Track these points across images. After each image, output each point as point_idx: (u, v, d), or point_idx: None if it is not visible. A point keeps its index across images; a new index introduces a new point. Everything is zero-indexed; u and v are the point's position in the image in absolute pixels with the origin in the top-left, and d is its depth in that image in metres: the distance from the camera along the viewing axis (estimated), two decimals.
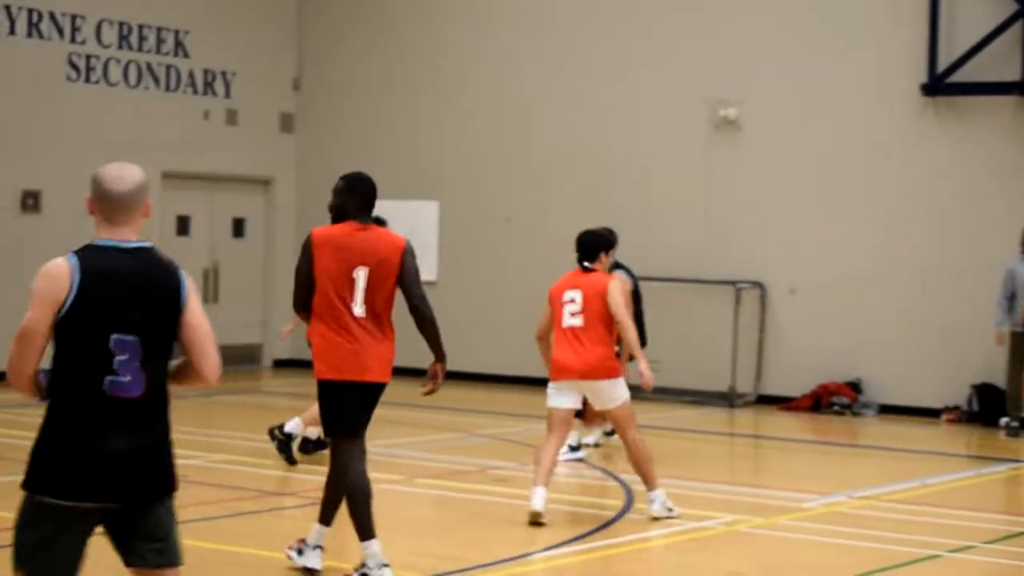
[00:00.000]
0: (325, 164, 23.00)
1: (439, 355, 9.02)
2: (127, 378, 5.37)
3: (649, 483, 11.28)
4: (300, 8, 23.36)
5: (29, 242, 19.16)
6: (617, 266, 14.02)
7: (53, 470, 5.38)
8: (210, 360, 5.57)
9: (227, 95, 22.50)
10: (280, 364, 23.19)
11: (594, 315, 11.07)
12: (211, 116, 22.31)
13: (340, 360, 8.72)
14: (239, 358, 22.99)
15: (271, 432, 13.39)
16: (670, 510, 11.25)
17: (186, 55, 21.98)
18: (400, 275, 8.82)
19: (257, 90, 22.86)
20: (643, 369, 11.24)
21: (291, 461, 13.24)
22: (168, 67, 21.78)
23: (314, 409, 12.80)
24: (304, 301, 8.95)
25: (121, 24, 21.19)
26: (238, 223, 23.01)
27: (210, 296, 22.51)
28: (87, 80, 20.79)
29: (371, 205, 9.15)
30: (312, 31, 23.33)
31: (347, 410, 8.77)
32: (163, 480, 5.59)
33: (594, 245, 11.45)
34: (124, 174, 5.63)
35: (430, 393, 9.10)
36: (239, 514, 10.94)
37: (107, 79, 21.02)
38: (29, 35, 20.13)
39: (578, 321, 11.08)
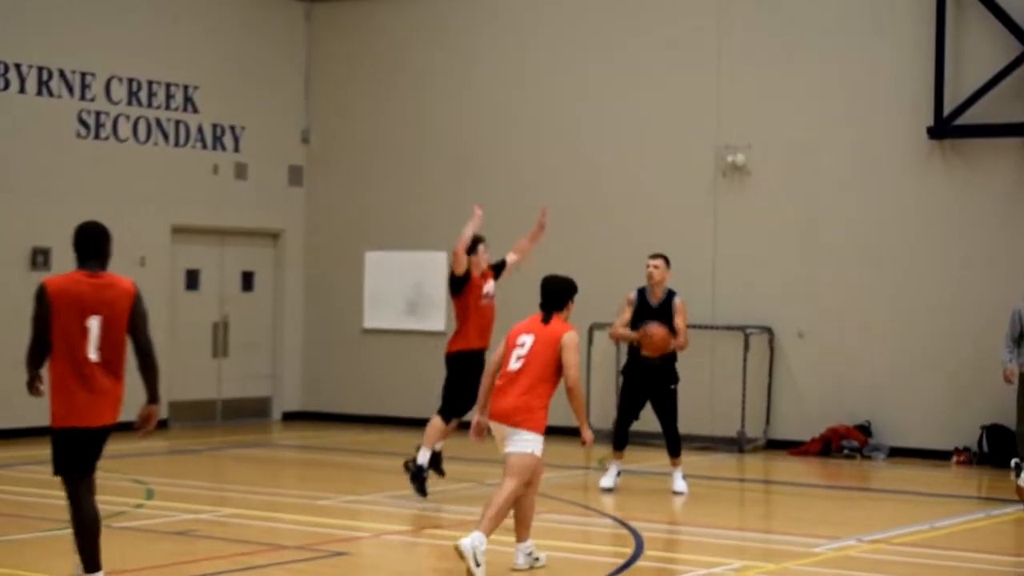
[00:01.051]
0: (334, 216, 23.16)
1: (155, 398, 9.36)
2: None
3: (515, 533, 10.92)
4: (308, 62, 23.51)
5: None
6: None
7: None
8: None
9: (236, 149, 22.63)
10: (289, 417, 23.23)
11: (538, 363, 10.73)
12: (220, 170, 22.43)
13: (77, 407, 9.07)
14: (248, 411, 23.06)
15: (405, 465, 14.43)
16: (536, 559, 10.97)
17: (195, 110, 22.12)
18: (130, 319, 9.22)
19: (266, 144, 22.99)
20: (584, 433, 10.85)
21: (423, 492, 14.22)
22: (177, 122, 21.91)
23: (430, 432, 14.25)
24: (40, 351, 9.17)
25: (131, 80, 21.33)
26: (247, 276, 23.09)
27: (220, 350, 22.57)
28: (97, 136, 20.92)
29: (97, 253, 9.43)
30: (320, 85, 23.47)
31: (83, 453, 9.17)
32: None
33: (563, 292, 11.13)
34: None
35: (146, 436, 9.46)
36: (249, 568, 10.95)
37: (117, 135, 21.15)
38: (39, 93, 20.27)
39: (519, 365, 10.74)
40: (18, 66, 20.03)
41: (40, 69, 20.29)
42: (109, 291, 9.27)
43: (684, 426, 19.22)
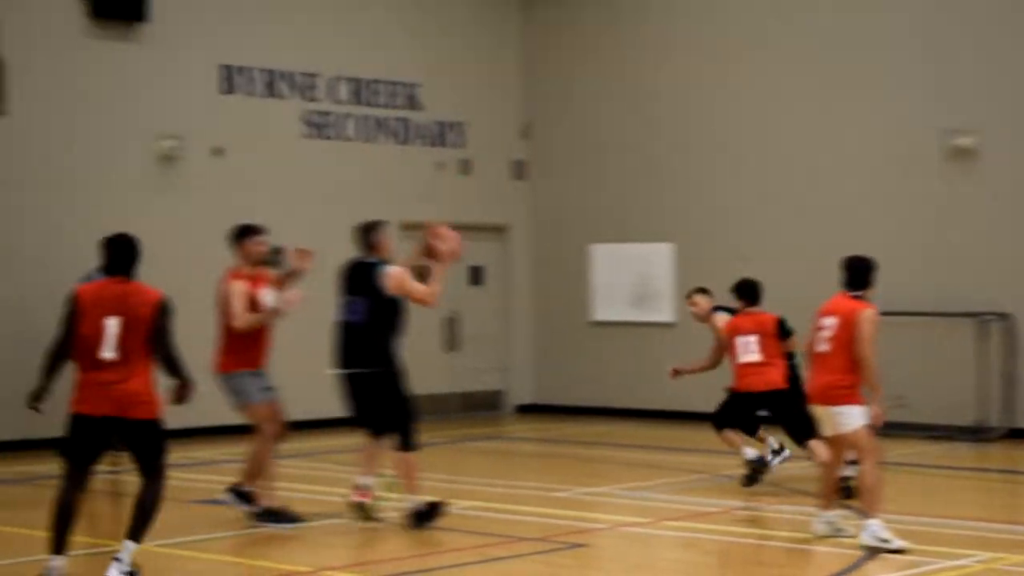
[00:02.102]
0: (559, 209, 23.20)
1: (183, 381, 9.90)
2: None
3: None
4: (527, 56, 23.60)
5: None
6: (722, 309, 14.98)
7: None
8: None
9: (460, 145, 22.82)
10: (522, 409, 23.35)
11: (840, 340, 11.31)
12: (445, 167, 22.64)
13: (83, 396, 9.77)
14: (480, 404, 23.24)
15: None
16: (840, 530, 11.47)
17: (419, 108, 22.36)
18: (153, 329, 9.81)
19: (489, 139, 23.14)
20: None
21: (751, 481, 14.30)
22: (402, 120, 22.17)
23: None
24: (58, 353, 9.83)
25: (354, 80, 21.65)
26: (475, 271, 23.27)
27: (451, 344, 22.78)
28: (322, 136, 21.27)
29: (125, 263, 9.99)
30: (541, 78, 23.53)
31: (85, 441, 9.78)
32: None
33: (865, 271, 11.67)
34: None
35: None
36: (490, 560, 11.02)
37: (342, 134, 21.48)
38: (266, 95, 20.68)
39: (826, 347, 11.38)
40: (247, 69, 20.45)
41: (267, 71, 20.69)
42: (133, 297, 9.85)
43: (918, 416, 18.99)
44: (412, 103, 22.30)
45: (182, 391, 9.86)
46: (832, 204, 20.59)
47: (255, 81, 20.61)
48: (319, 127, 21.26)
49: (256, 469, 12.56)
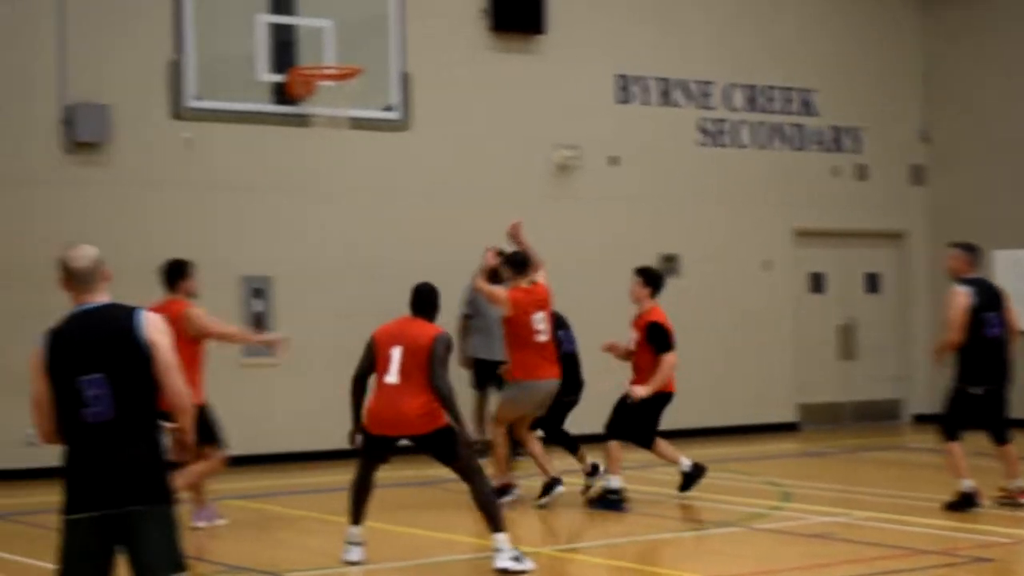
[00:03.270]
0: (958, 215, 22.62)
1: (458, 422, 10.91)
2: (99, 407, 6.46)
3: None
4: (927, 57, 23.08)
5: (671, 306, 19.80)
6: None
7: (65, 491, 6.57)
8: (171, 389, 6.60)
9: (856, 150, 22.51)
10: (921, 419, 22.85)
11: None
12: (840, 172, 22.37)
13: (370, 418, 11.00)
14: (878, 414, 22.87)
15: None
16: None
17: (814, 113, 22.15)
18: (428, 360, 10.77)
19: (885, 144, 22.74)
20: None
21: None
22: (797, 126, 22.01)
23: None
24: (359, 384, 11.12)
25: (749, 87, 21.61)
26: (871, 278, 22.90)
27: (847, 352, 22.49)
28: (717, 143, 21.30)
29: (418, 308, 11.21)
30: (940, 82, 22.98)
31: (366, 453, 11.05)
32: (143, 489, 6.49)
33: None
34: (81, 253, 6.68)
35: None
36: (888, 572, 10.84)
37: (736, 141, 21.47)
38: (662, 103, 20.83)
39: None
40: (642, 78, 20.64)
41: (662, 80, 20.84)
42: (414, 329, 10.96)
43: None
44: (808, 109, 22.11)
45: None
46: None
47: (650, 90, 20.79)
48: (714, 135, 21.29)
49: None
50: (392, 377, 10.75)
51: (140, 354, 6.54)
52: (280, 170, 18.06)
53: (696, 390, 20.14)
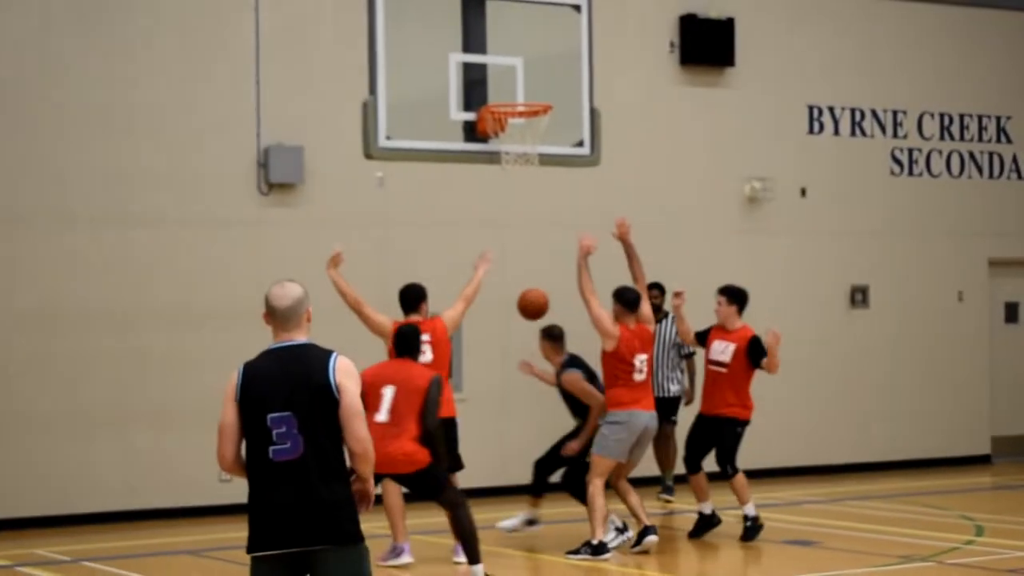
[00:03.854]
0: None
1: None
2: (286, 444, 6.59)
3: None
4: None
5: (862, 338, 19.74)
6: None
7: (250, 527, 6.70)
8: (354, 435, 6.69)
9: None
10: None
11: None
12: None
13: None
14: None
15: None
16: None
17: (1008, 140, 21.83)
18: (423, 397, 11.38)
19: None
20: None
21: None
22: (991, 154, 21.71)
23: None
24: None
25: (942, 115, 21.38)
26: None
27: None
28: (910, 173, 21.10)
29: (406, 350, 11.79)
30: None
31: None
32: (329, 528, 6.61)
33: None
34: (285, 292, 6.83)
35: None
36: None
37: (929, 170, 21.24)
38: (852, 134, 20.70)
39: None
40: (831, 108, 20.55)
41: (853, 110, 20.72)
42: (407, 370, 11.56)
43: None
44: (1002, 136, 21.78)
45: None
46: None
47: (841, 120, 20.67)
48: (906, 164, 21.10)
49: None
50: (382, 416, 11.20)
51: (329, 397, 6.68)
52: (471, 207, 18.28)
53: (887, 421, 19.99)
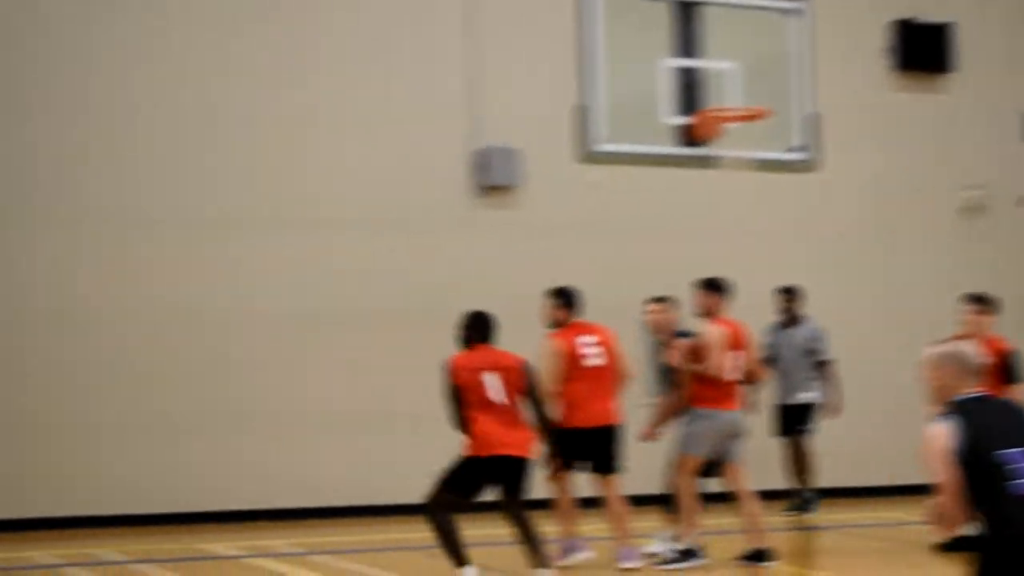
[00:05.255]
0: None
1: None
2: None
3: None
4: None
5: None
6: None
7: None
8: None
9: None
10: None
11: None
12: None
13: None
14: None
15: None
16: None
17: None
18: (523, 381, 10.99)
19: None
20: None
21: None
22: None
23: None
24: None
25: None
26: None
27: None
28: None
29: (486, 334, 11.09)
30: None
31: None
32: None
33: None
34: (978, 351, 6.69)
35: None
36: None
37: None
38: None
39: None
40: None
41: None
42: (496, 356, 11.02)
43: None
44: None
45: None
46: None
47: None
48: None
49: None
50: (503, 398, 10.78)
51: None
52: (686, 212, 18.09)
53: None
